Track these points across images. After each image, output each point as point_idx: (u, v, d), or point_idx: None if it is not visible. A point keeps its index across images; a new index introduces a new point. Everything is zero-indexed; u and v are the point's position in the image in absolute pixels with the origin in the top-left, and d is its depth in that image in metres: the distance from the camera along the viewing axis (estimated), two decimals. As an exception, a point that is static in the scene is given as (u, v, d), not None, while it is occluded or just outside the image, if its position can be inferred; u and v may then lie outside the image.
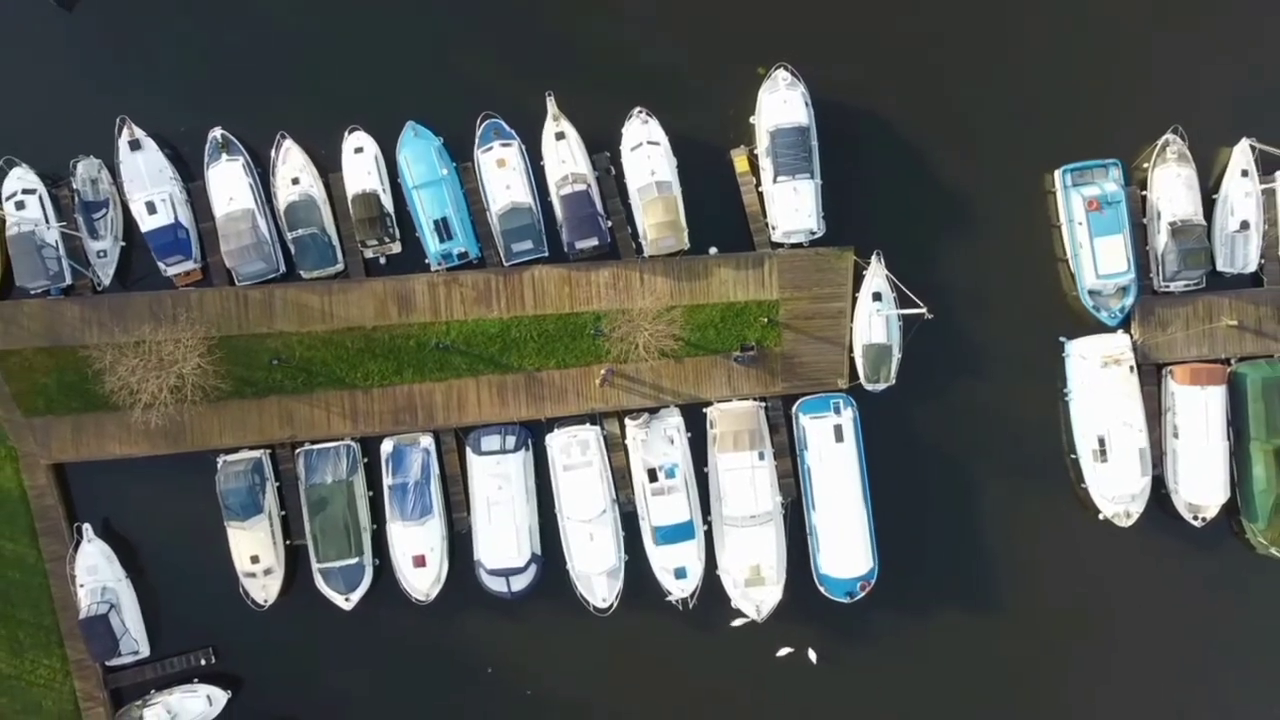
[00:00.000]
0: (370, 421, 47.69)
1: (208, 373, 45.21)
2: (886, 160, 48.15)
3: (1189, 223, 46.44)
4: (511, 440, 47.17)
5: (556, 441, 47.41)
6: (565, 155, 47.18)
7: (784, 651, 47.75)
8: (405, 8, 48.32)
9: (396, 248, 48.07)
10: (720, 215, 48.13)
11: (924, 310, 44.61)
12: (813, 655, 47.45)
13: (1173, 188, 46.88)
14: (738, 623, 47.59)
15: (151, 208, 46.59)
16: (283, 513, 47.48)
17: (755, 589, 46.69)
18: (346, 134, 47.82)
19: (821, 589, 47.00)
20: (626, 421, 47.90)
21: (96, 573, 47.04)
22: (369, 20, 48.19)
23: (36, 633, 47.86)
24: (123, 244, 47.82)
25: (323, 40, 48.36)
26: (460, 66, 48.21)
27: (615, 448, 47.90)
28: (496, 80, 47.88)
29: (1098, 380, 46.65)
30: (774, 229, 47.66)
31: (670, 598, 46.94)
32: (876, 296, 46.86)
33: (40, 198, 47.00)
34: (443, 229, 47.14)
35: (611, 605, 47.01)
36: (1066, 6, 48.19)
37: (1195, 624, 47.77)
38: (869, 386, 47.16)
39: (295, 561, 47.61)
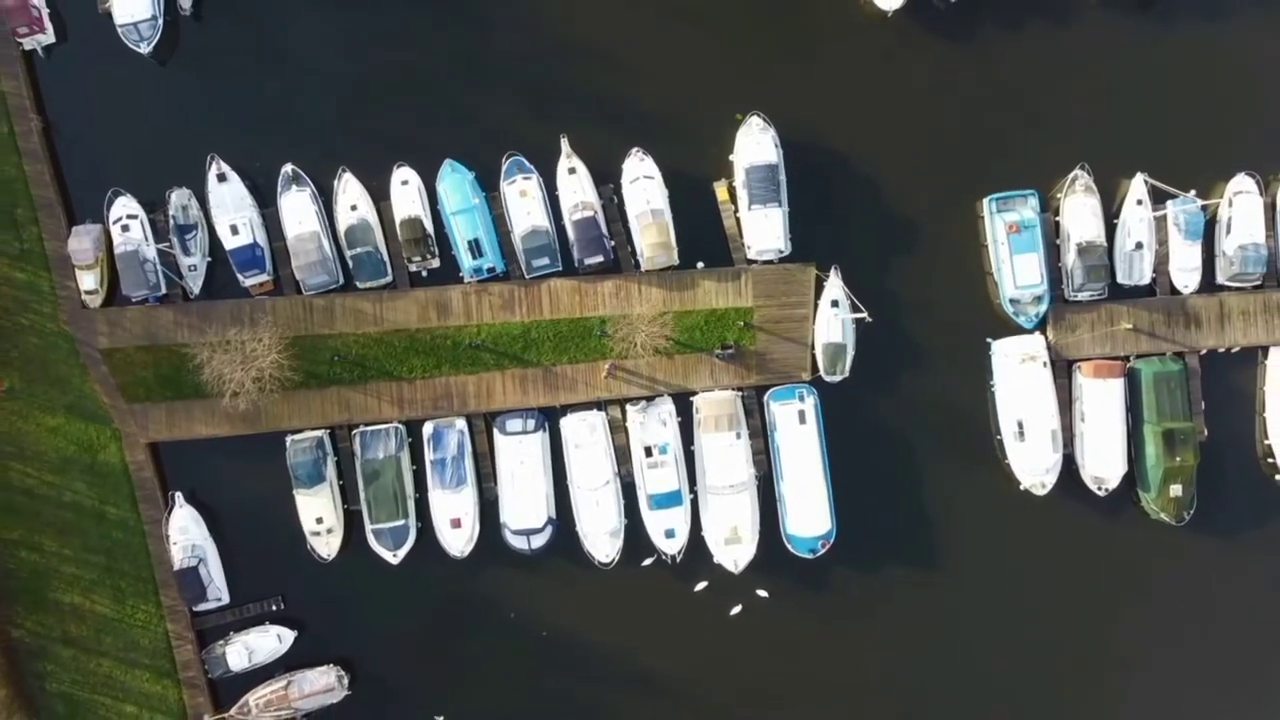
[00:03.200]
0: (414, 407, 55.29)
1: (283, 366, 53.07)
2: (843, 190, 55.31)
3: (1093, 243, 53.67)
4: (531, 423, 54.61)
5: (569, 424, 54.85)
6: (576, 187, 54.65)
7: (736, 610, 55.14)
8: (443, 66, 55.90)
9: (436, 263, 55.31)
10: (705, 236, 55.27)
11: (865, 315, 52.99)
12: (763, 593, 54.90)
13: (1080, 214, 54.07)
14: (699, 587, 55.17)
15: (234, 229, 54.26)
16: (341, 482, 54.92)
17: (733, 547, 54.22)
18: (395, 169, 55.04)
19: (789, 546, 54.49)
20: (627, 408, 55.26)
21: (187, 532, 54.56)
22: (414, 76, 55.78)
23: (136, 583, 55.64)
24: (209, 259, 55.31)
25: (375, 92, 55.70)
26: (489, 113, 55.68)
27: (617, 429, 55.23)
28: (519, 125, 55.32)
29: (1017, 374, 53.95)
30: (749, 248, 54.92)
31: (650, 561, 54.54)
32: (834, 304, 54.33)
33: (141, 222, 54.63)
34: (474, 248, 54.57)
35: (613, 560, 54.58)
36: (993, 64, 55.75)
37: (1098, 575, 55.18)
38: (828, 378, 54.65)
39: (351, 523, 55.06)
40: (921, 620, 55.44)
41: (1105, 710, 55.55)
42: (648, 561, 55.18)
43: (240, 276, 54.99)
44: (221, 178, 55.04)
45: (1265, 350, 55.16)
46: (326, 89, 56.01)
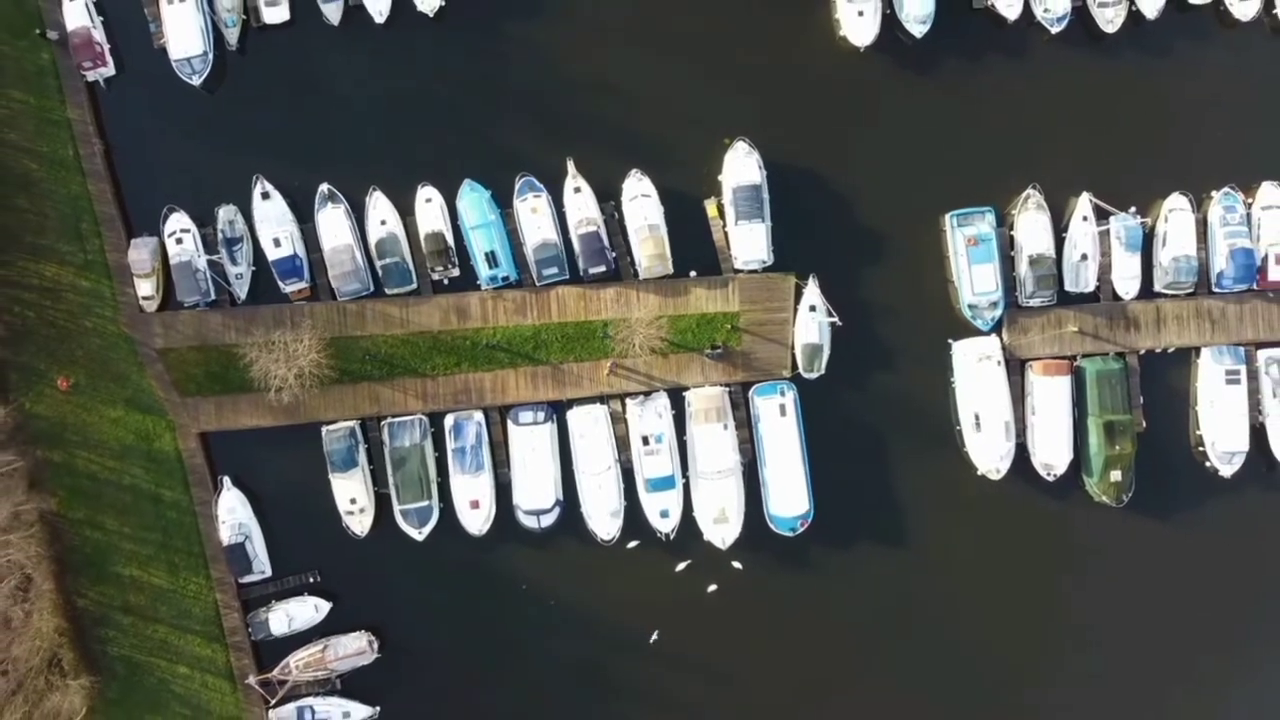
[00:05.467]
0: (437, 401, 60.27)
1: (321, 364, 58.26)
2: (820, 207, 60.25)
3: (1043, 255, 58.75)
4: (541, 415, 59.53)
5: (575, 416, 59.78)
6: (581, 204, 59.58)
7: (712, 587, 60.02)
8: (462, 96, 61.08)
9: (456, 272, 60.16)
10: (696, 248, 60.16)
11: (836, 319, 58.53)
12: (738, 565, 59.90)
13: (1032, 229, 59.11)
14: (681, 566, 60.12)
15: (277, 242, 59.40)
16: (371, 468, 59.82)
17: (721, 526, 59.19)
18: (420, 188, 60.04)
19: (771, 526, 59.48)
20: (626, 402, 60.12)
21: (234, 513, 59.57)
22: (436, 105, 61.12)
23: (188, 558, 60.70)
24: (254, 269, 60.34)
25: (402, 120, 60.95)
26: (503, 139, 60.82)
27: (618, 421, 60.08)
28: (530, 149, 60.43)
29: (975, 372, 58.91)
30: (736, 259, 59.76)
31: (635, 543, 59.44)
32: (812, 308, 59.31)
33: (193, 235, 59.81)
34: (491, 259, 59.49)
35: (614, 538, 59.59)
36: (955, 94, 60.90)
37: (1047, 550, 60.30)
38: (806, 375, 59.54)
39: (381, 504, 59.89)
40: (890, 590, 60.62)
41: (1052, 667, 60.72)
42: (633, 544, 59.96)
43: (281, 284, 60.13)
44: (265, 195, 60.35)
45: (1197, 350, 60.30)
46: (359, 116, 61.31)
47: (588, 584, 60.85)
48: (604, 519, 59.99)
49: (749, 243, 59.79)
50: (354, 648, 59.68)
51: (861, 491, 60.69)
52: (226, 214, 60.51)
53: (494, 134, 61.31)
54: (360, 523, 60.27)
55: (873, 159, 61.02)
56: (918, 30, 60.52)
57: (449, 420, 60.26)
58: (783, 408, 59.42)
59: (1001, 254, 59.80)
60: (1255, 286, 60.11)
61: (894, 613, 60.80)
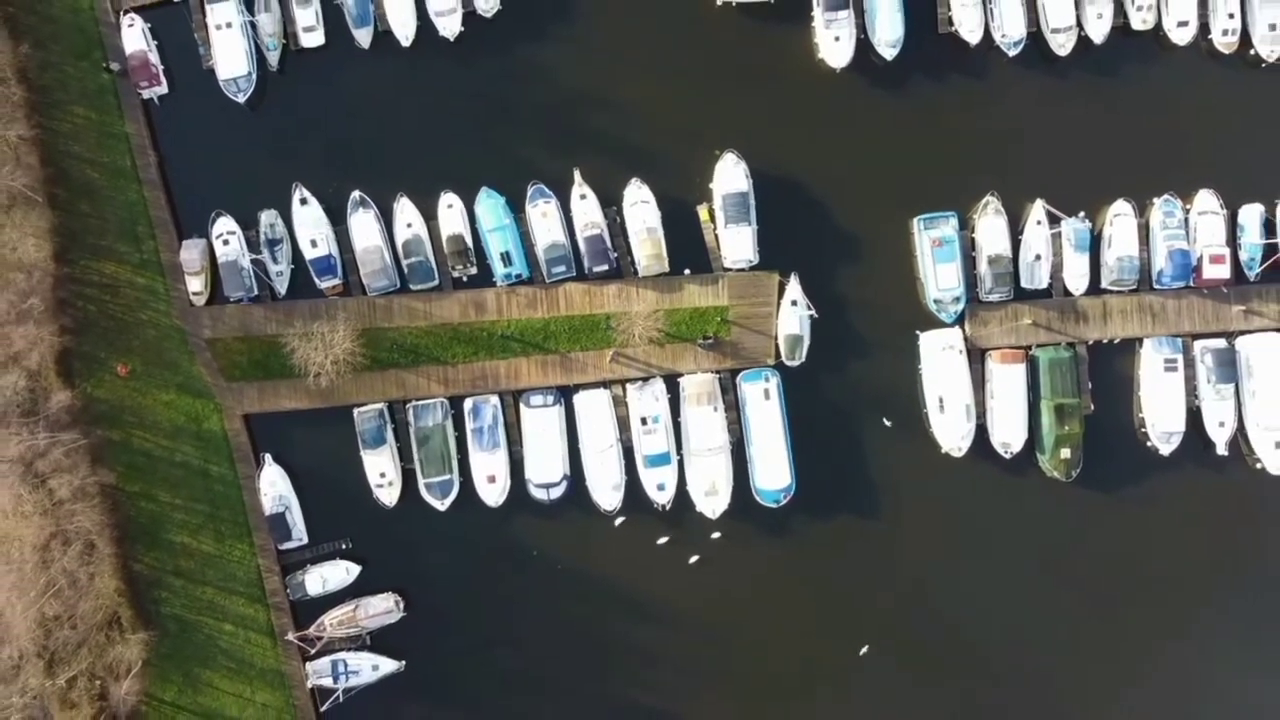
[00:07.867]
0: (457, 386, 65.58)
1: (354, 353, 63.98)
2: (802, 212, 65.40)
3: (1001, 256, 64.08)
4: (551, 398, 64.80)
5: (580, 399, 65.03)
6: (586, 209, 64.94)
7: (694, 559, 65.07)
8: (480, 112, 66.47)
9: (474, 270, 65.41)
10: (690, 249, 65.36)
11: (815, 312, 64.28)
12: (716, 535, 65.04)
13: (991, 232, 64.38)
14: (661, 541, 65.15)
15: (314, 243, 64.85)
16: (398, 445, 65.09)
17: (712, 498, 64.55)
18: (442, 194, 65.35)
19: (757, 498, 64.87)
20: (627, 386, 65.12)
21: (274, 486, 64.87)
22: (457, 121, 66.55)
23: (233, 527, 66.00)
24: (293, 267, 65.77)
25: (426, 133, 66.26)
26: (517, 151, 66.26)
27: (619, 404, 65.15)
28: (540, 160, 65.76)
29: (940, 360, 64.25)
30: (725, 258, 64.96)
31: (621, 520, 64.66)
32: (794, 303, 64.66)
33: (238, 236, 65.26)
34: (505, 258, 64.80)
35: (616, 508, 64.96)
36: (923, 110, 66.13)
37: (1003, 520, 65.58)
38: (788, 363, 64.80)
39: (407, 479, 65.25)
40: (863, 554, 66.04)
41: (1007, 624, 66.07)
42: (633, 514, 65.07)
43: (317, 281, 65.61)
44: (303, 201, 65.85)
45: (1140, 341, 65.64)
46: (387, 130, 66.79)
47: (591, 550, 66.07)
48: (606, 492, 65.24)
49: (737, 244, 65.07)
50: (382, 607, 64.80)
51: (838, 468, 65.76)
52: (268, 218, 65.85)
53: (508, 146, 66.66)
54: (388, 495, 65.61)
55: (848, 169, 66.41)
56: (889, 53, 66.01)
57: (468, 403, 65.30)
58: (767, 392, 64.66)
59: (963, 254, 65.01)
60: (1191, 284, 65.52)
61: (865, 572, 65.99)
